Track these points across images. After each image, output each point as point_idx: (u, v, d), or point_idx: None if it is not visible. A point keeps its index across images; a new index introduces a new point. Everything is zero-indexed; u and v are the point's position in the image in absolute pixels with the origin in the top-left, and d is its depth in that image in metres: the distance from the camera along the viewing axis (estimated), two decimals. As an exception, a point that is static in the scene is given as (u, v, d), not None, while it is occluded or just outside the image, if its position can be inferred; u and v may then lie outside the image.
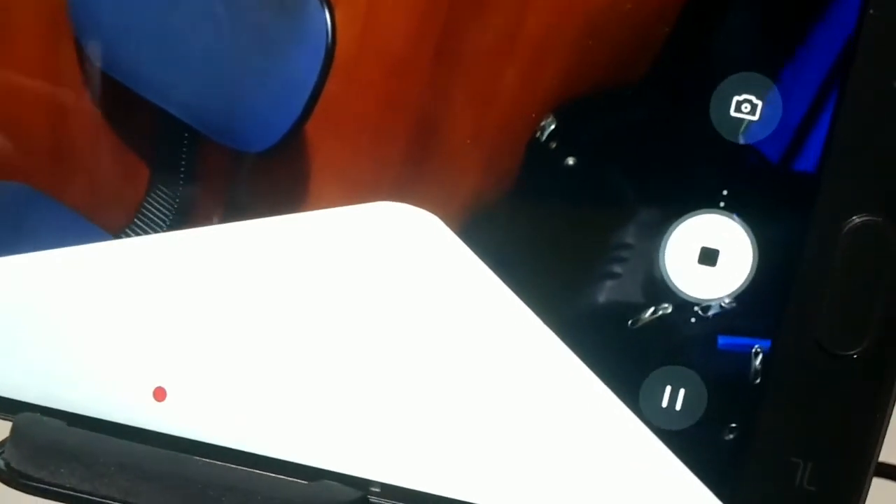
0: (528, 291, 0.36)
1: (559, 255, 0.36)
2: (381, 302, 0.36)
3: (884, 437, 0.35)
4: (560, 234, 0.36)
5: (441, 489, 0.36)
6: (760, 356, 0.35)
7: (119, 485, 0.37)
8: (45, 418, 0.38)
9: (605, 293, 0.36)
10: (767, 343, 0.35)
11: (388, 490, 0.37)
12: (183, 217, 0.37)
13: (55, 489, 0.37)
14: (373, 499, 0.37)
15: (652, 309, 0.35)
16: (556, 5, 0.34)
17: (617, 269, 0.35)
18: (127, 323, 0.37)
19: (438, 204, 0.35)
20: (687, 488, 0.35)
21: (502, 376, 0.36)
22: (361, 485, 0.37)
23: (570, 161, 0.35)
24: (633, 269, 0.35)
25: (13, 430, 0.38)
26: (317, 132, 0.36)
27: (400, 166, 0.36)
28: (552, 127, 0.35)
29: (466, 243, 0.35)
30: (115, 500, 0.37)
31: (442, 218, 0.35)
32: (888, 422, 0.35)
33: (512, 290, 0.36)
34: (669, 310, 0.35)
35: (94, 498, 0.37)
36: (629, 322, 0.35)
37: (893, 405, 0.34)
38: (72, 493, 0.37)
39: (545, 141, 0.35)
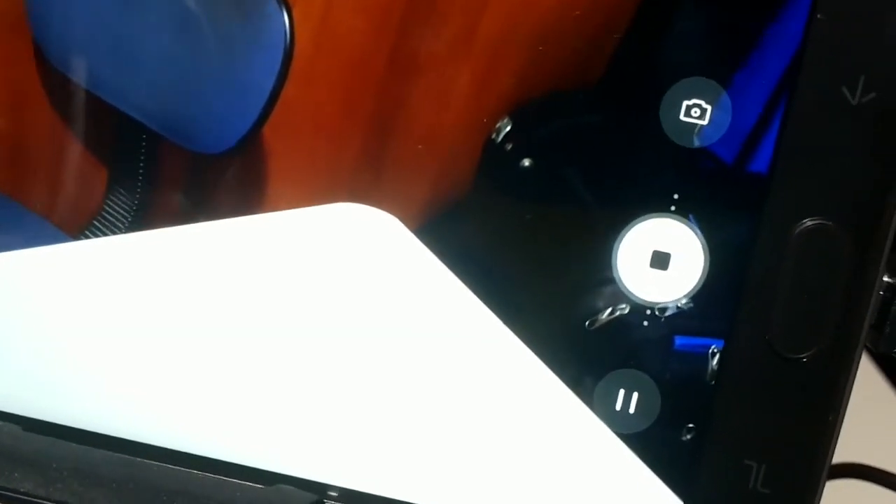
0: (487, 291, 0.36)
1: (517, 255, 0.36)
2: (340, 304, 0.36)
3: (836, 440, 0.35)
4: (517, 234, 0.36)
5: (398, 493, 0.36)
6: (717, 356, 0.35)
7: (73, 490, 0.36)
8: (0, 423, 0.38)
9: (561, 294, 0.36)
10: (721, 343, 0.35)
11: (345, 494, 0.37)
12: (142, 219, 0.37)
13: (8, 494, 0.37)
14: (329, 502, 0.37)
15: (608, 311, 0.35)
16: (510, 9, 0.35)
17: (572, 270, 0.36)
18: (84, 325, 0.37)
19: (397, 205, 0.36)
20: (648, 487, 0.35)
21: (461, 378, 0.36)
22: (318, 489, 0.37)
23: (526, 162, 0.35)
24: (587, 271, 0.36)
25: (-32, 434, 0.38)
26: (274, 134, 0.36)
27: (358, 167, 0.36)
28: (508, 129, 0.35)
29: (425, 244, 0.36)
30: (69, 505, 0.37)
31: (400, 219, 0.36)
32: (840, 424, 0.35)
33: (471, 290, 0.36)
34: (626, 311, 0.35)
35: (48, 502, 0.37)
36: (585, 323, 0.36)
37: (845, 408, 0.35)
38: (25, 497, 0.37)
39: (501, 142, 0.35)
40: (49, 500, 0.37)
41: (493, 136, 0.35)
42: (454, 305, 0.36)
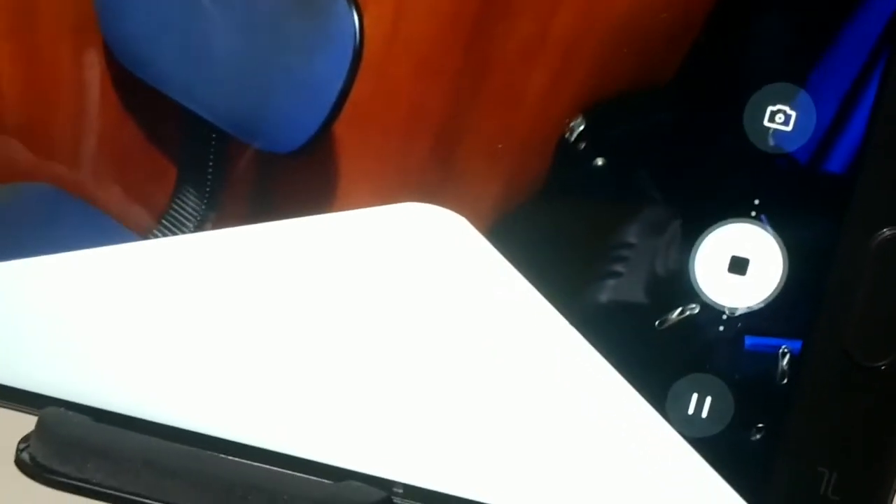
0: (556, 293, 0.35)
1: (586, 256, 0.36)
2: (408, 303, 0.36)
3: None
4: (588, 235, 0.36)
5: (464, 491, 0.37)
6: (788, 356, 0.35)
7: (145, 481, 0.37)
8: (71, 413, 0.38)
9: (633, 297, 0.35)
10: (795, 344, 0.35)
11: (411, 491, 0.37)
12: (210, 218, 0.37)
13: (80, 484, 0.37)
14: (396, 499, 0.37)
15: (678, 311, 0.35)
16: (584, 8, 0.34)
17: (644, 273, 0.35)
18: (154, 322, 0.37)
19: (466, 205, 0.35)
20: (716, 492, 0.35)
21: (529, 378, 0.36)
22: (385, 485, 0.37)
23: (599, 162, 0.35)
24: (662, 275, 0.35)
25: (39, 424, 0.38)
26: (345, 133, 0.35)
27: (427, 167, 0.35)
28: (581, 128, 0.35)
29: (494, 244, 0.35)
30: (140, 497, 0.37)
31: (469, 219, 0.35)
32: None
33: (539, 291, 0.35)
34: (697, 311, 0.35)
35: (119, 493, 0.37)
36: (656, 324, 0.35)
37: (920, 418, 0.34)
38: (97, 488, 0.37)
39: (574, 141, 0.35)
40: (121, 491, 0.37)
41: (567, 135, 0.35)
42: (522, 307, 0.35)
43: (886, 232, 0.33)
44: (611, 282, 0.36)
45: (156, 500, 0.37)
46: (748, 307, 0.35)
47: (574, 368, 0.35)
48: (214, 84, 0.36)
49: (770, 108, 0.34)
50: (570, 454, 0.36)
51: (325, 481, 0.37)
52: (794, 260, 0.34)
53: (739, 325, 0.35)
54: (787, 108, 0.34)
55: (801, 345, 0.35)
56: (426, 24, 0.35)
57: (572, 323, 0.35)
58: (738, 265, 0.35)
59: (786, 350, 0.35)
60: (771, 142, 0.34)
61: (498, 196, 0.35)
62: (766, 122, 0.34)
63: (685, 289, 0.35)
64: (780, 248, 0.34)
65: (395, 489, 0.37)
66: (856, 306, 0.34)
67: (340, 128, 0.35)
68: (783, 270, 0.34)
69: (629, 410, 0.35)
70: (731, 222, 0.35)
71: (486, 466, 0.36)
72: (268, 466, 0.37)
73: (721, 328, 0.35)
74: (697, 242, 0.35)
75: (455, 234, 0.35)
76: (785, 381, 0.35)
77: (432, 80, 0.35)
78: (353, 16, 0.35)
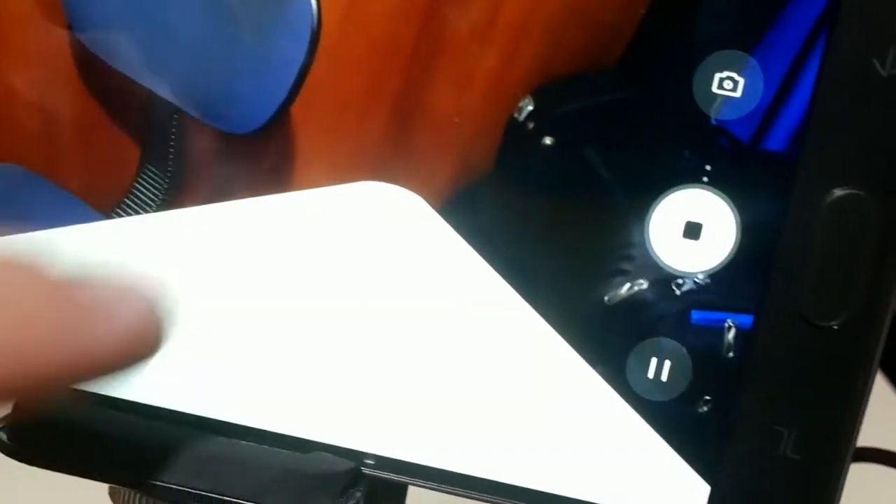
0: (510, 269, 0.36)
1: (540, 233, 0.36)
2: (365, 280, 0.36)
3: (866, 406, 0.35)
4: (541, 212, 0.36)
5: (431, 460, 0.37)
6: (733, 330, 0.35)
7: (120, 457, 0.37)
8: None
9: (587, 270, 0.36)
10: (745, 318, 0.35)
11: (382, 462, 0.37)
12: (172, 197, 0.37)
13: (58, 461, 0.37)
14: (366, 470, 0.37)
15: (630, 284, 0.36)
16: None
17: (598, 245, 0.36)
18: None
19: (421, 183, 0.36)
20: (666, 462, 0.36)
21: (485, 352, 0.36)
22: (355, 456, 0.37)
23: (548, 141, 0.35)
24: (616, 245, 0.36)
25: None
26: (302, 114, 0.36)
27: (382, 146, 0.36)
28: (530, 108, 0.35)
29: (448, 222, 0.36)
30: (116, 472, 0.37)
31: (424, 197, 0.36)
32: (870, 390, 0.35)
33: (494, 268, 0.36)
34: (645, 285, 0.36)
35: (95, 471, 0.37)
36: (608, 297, 0.36)
37: (874, 374, 0.35)
38: (73, 465, 0.37)
39: (523, 121, 0.35)
40: (96, 468, 0.37)
41: (516, 114, 0.35)
42: (477, 283, 0.36)
43: (837, 192, 0.34)
44: (565, 256, 0.36)
45: (128, 476, 0.37)
46: (704, 271, 0.35)
47: (528, 343, 0.36)
48: (175, 65, 0.36)
49: (718, 76, 0.34)
50: (528, 426, 0.36)
51: (294, 453, 0.37)
52: (746, 223, 0.35)
53: (695, 291, 0.36)
54: (734, 75, 0.34)
55: (754, 308, 0.35)
56: (380, 4, 0.35)
57: (526, 298, 0.36)
58: (692, 230, 0.35)
59: (730, 324, 0.36)
60: (720, 108, 0.34)
61: (452, 174, 0.36)
62: (714, 90, 0.34)
63: (643, 258, 0.36)
64: (733, 211, 0.35)
65: (365, 460, 0.37)
66: (808, 266, 0.35)
67: (298, 108, 0.36)
68: (736, 234, 0.35)
69: (582, 384, 0.36)
70: (683, 188, 0.35)
71: (452, 436, 0.37)
72: (235, 440, 0.38)
73: (677, 300, 0.36)
74: (651, 210, 0.35)
75: (411, 213, 0.36)
76: (738, 346, 0.36)
77: (386, 60, 0.36)
78: (310, -4, 0.35)
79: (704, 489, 0.36)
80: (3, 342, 0.27)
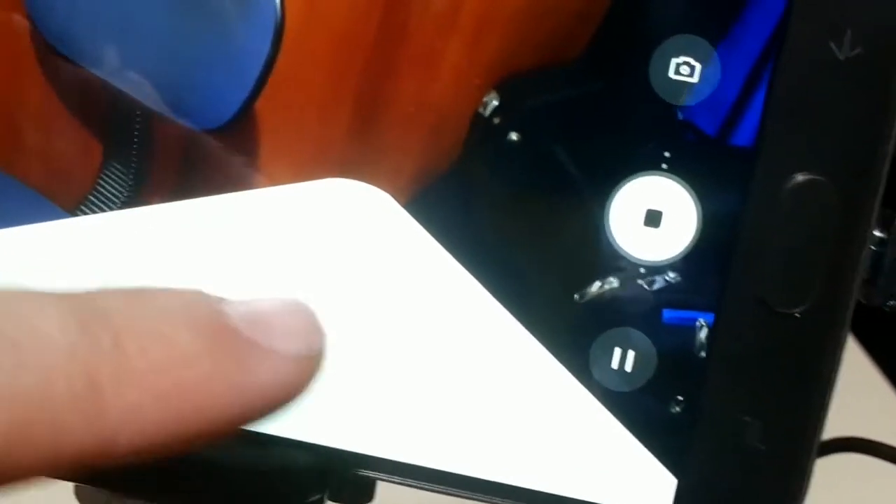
0: (477, 265, 0.36)
1: (507, 228, 0.36)
2: (332, 278, 0.36)
3: (832, 394, 0.35)
4: (508, 207, 0.36)
5: (399, 455, 0.37)
6: (704, 329, 0.35)
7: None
8: None
9: (551, 263, 0.36)
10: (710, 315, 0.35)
11: (349, 457, 0.37)
12: (136, 194, 0.37)
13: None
14: (333, 465, 0.37)
15: (600, 282, 0.36)
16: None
17: (564, 236, 0.36)
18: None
19: (386, 179, 0.36)
20: (633, 456, 0.36)
21: (452, 348, 0.36)
22: (322, 452, 0.37)
23: (514, 136, 0.36)
24: (579, 238, 0.36)
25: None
26: (266, 109, 0.36)
27: (347, 142, 0.36)
28: (495, 103, 0.35)
29: (415, 218, 0.36)
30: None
31: (390, 193, 0.36)
32: (836, 378, 0.35)
33: (461, 263, 0.36)
34: (615, 284, 0.36)
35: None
36: (577, 291, 0.36)
37: (839, 362, 0.35)
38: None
39: (488, 116, 0.36)
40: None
41: (481, 110, 0.36)
42: (444, 279, 0.36)
43: (799, 177, 0.34)
44: (531, 251, 0.36)
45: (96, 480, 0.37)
46: (666, 259, 0.35)
47: (495, 338, 0.36)
48: (137, 59, 0.37)
49: (675, 61, 0.35)
50: (494, 419, 0.36)
51: (258, 450, 0.37)
52: (706, 210, 0.35)
53: (665, 288, 0.36)
54: (691, 60, 0.34)
55: (719, 296, 0.35)
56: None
57: (494, 294, 0.36)
58: (653, 218, 0.35)
59: (702, 323, 0.35)
60: (677, 93, 0.35)
61: (418, 170, 0.36)
62: (671, 75, 0.35)
63: (605, 249, 0.36)
64: (693, 198, 0.35)
65: (332, 456, 0.37)
66: (769, 253, 0.34)
67: (262, 104, 0.36)
68: (697, 221, 0.35)
69: (548, 378, 0.36)
70: (642, 176, 0.35)
71: (417, 430, 0.37)
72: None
73: (641, 294, 0.36)
74: (610, 200, 0.35)
75: (377, 209, 0.36)
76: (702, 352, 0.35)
77: (349, 55, 0.36)
78: (273, -11, 0.35)
79: (672, 482, 0.36)
80: (155, 387, 0.25)
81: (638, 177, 0.35)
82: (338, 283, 0.36)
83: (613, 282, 0.36)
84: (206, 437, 0.26)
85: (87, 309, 0.25)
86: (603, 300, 0.36)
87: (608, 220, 0.35)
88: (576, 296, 0.36)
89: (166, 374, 0.25)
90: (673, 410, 0.36)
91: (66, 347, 0.24)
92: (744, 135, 0.35)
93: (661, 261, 0.35)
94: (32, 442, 0.23)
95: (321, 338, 0.29)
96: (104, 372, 0.24)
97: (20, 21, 0.37)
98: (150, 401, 0.25)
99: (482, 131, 0.36)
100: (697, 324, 0.36)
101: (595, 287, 0.36)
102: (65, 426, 0.24)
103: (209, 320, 0.26)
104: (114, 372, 0.25)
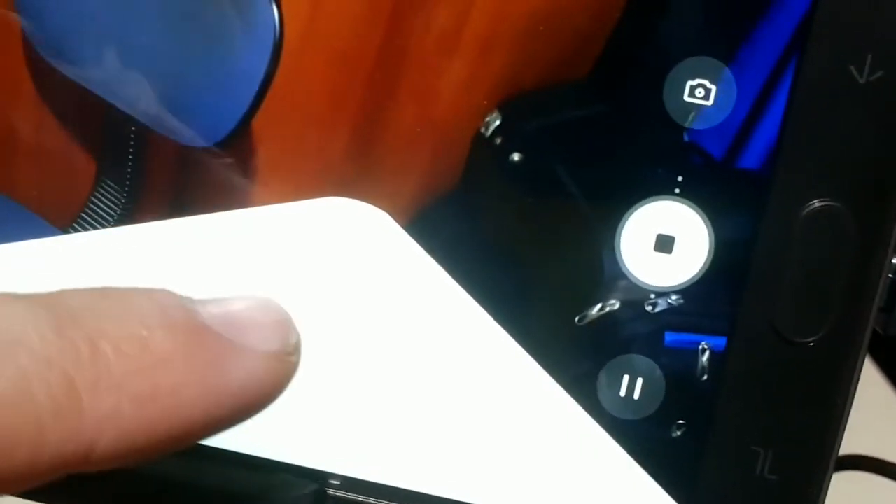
0: (478, 287, 0.35)
1: (508, 250, 0.35)
2: (330, 298, 0.35)
3: (845, 424, 0.34)
4: (509, 229, 0.35)
5: (398, 481, 0.36)
6: (708, 353, 0.34)
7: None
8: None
9: (556, 287, 0.35)
10: (720, 340, 0.34)
11: (347, 482, 0.36)
12: (131, 212, 0.36)
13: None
14: (331, 491, 0.36)
15: (601, 304, 0.35)
16: (499, 2, 0.34)
17: (571, 260, 0.35)
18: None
19: (385, 199, 0.35)
20: (641, 486, 0.35)
21: (452, 371, 0.35)
22: (320, 477, 0.36)
23: (516, 157, 0.35)
24: (585, 261, 0.35)
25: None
26: (263, 128, 0.35)
27: (347, 161, 0.35)
28: (497, 122, 0.34)
29: (415, 238, 0.35)
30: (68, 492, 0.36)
31: (389, 213, 0.35)
32: (849, 408, 0.34)
33: (461, 285, 0.35)
34: (617, 305, 0.35)
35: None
36: (579, 317, 0.35)
37: (854, 391, 0.34)
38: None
39: (490, 136, 0.35)
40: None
41: (483, 129, 0.35)
42: (443, 301, 0.35)
43: (816, 203, 0.33)
44: (534, 274, 0.35)
45: (76, 501, 0.36)
46: (677, 285, 0.34)
47: (496, 362, 0.35)
48: (133, 77, 0.36)
49: (690, 83, 0.33)
50: (496, 445, 0.35)
51: (256, 474, 0.36)
52: (720, 235, 0.34)
53: (669, 311, 0.35)
54: (706, 83, 0.33)
55: (730, 324, 0.34)
56: (342, 15, 0.34)
57: (494, 317, 0.35)
58: (665, 244, 0.34)
59: (705, 346, 0.35)
60: (692, 117, 0.34)
61: (417, 190, 0.35)
62: (686, 98, 0.34)
63: (613, 274, 0.35)
64: (706, 223, 0.34)
65: (331, 480, 0.36)
66: (784, 281, 0.34)
67: (259, 122, 0.35)
68: (709, 247, 0.34)
69: (552, 404, 0.35)
70: (654, 200, 0.34)
71: (417, 456, 0.36)
72: (197, 461, 0.37)
73: (647, 320, 0.35)
74: (621, 224, 0.34)
75: (375, 229, 0.35)
76: (705, 376, 0.35)
77: (349, 74, 0.35)
78: (272, 8, 0.34)
79: (678, 511, 0.35)
80: (133, 390, 0.25)
81: (649, 201, 0.34)
82: (335, 304, 0.35)
83: (616, 305, 0.35)
84: (183, 440, 0.26)
85: (62, 311, 0.25)
86: (606, 325, 0.35)
87: (618, 244, 0.34)
88: (577, 319, 0.35)
89: (143, 377, 0.25)
90: (680, 439, 0.35)
91: (42, 353, 0.24)
92: (751, 158, 0.34)
93: (672, 286, 0.35)
94: (11, 450, 0.23)
95: (295, 335, 0.28)
96: (82, 377, 0.24)
97: (14, 35, 0.36)
98: (127, 405, 0.24)
99: (483, 151, 0.35)
100: (700, 347, 0.35)
101: (597, 311, 0.35)
102: (43, 433, 0.23)
103: (183, 320, 0.26)
104: (91, 376, 0.24)
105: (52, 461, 0.24)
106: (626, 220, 0.34)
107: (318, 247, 0.35)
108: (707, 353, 0.35)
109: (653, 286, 0.35)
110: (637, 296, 0.35)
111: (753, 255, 0.34)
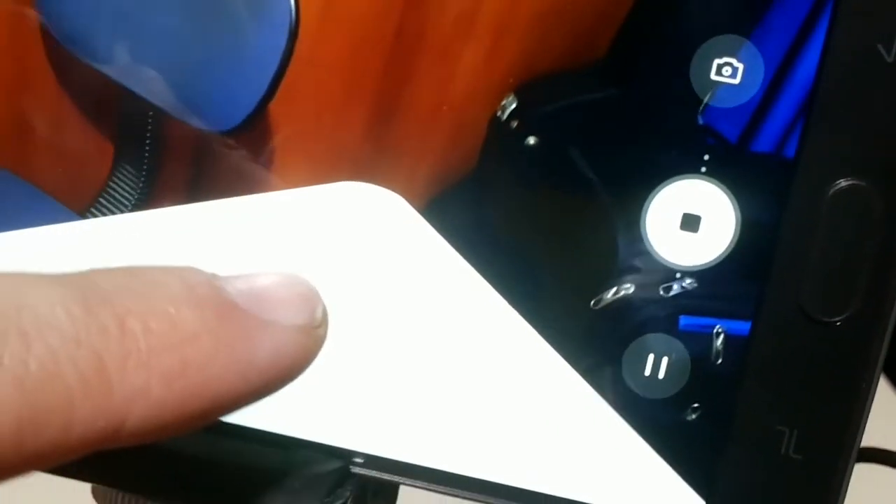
0: (493, 272, 0.35)
1: (525, 234, 0.35)
2: (347, 282, 0.35)
3: (871, 404, 0.34)
4: (525, 213, 0.35)
5: (422, 459, 0.36)
6: (732, 332, 0.34)
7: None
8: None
9: (575, 271, 0.35)
10: (743, 320, 0.34)
11: (371, 460, 0.36)
12: (148, 196, 0.36)
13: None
14: (355, 469, 0.36)
15: (622, 286, 0.34)
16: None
17: (588, 244, 0.35)
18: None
19: (401, 183, 0.35)
20: (658, 474, 0.35)
21: (470, 354, 0.35)
22: (344, 455, 0.36)
23: (532, 140, 0.34)
24: (608, 243, 0.35)
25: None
26: (280, 112, 0.35)
27: (363, 145, 0.35)
28: (513, 106, 0.34)
29: (430, 223, 0.35)
30: (92, 471, 0.36)
31: (406, 197, 0.35)
32: (875, 388, 0.34)
33: (476, 270, 0.35)
34: (635, 288, 0.34)
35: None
36: (596, 300, 0.35)
37: (880, 371, 0.34)
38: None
39: (506, 120, 0.34)
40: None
41: (499, 113, 0.34)
42: (459, 285, 0.35)
43: (842, 182, 0.33)
44: (550, 257, 0.35)
45: (109, 476, 0.36)
46: (703, 265, 0.34)
47: (512, 345, 0.35)
48: (151, 62, 0.35)
49: (717, 62, 0.33)
50: (517, 426, 0.35)
51: (280, 451, 0.36)
52: (746, 214, 0.34)
53: (692, 294, 0.34)
54: (733, 61, 0.33)
55: (754, 304, 0.34)
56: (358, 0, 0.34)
57: (508, 300, 0.35)
58: (691, 222, 0.34)
59: (720, 330, 0.34)
60: (718, 96, 0.33)
61: (434, 174, 0.35)
62: (712, 76, 0.33)
63: (638, 253, 0.34)
64: (732, 202, 0.34)
65: (354, 459, 0.36)
66: (811, 260, 0.33)
67: (276, 106, 0.35)
68: (735, 226, 0.34)
69: (568, 388, 0.35)
70: (679, 180, 0.34)
71: (443, 435, 0.36)
72: (219, 438, 0.37)
73: (672, 296, 0.35)
74: (646, 203, 0.34)
75: (392, 213, 0.35)
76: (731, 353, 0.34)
77: (365, 58, 0.34)
78: (288, -9, 0.34)
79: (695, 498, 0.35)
80: (161, 367, 0.25)
81: (674, 181, 0.34)
82: (352, 288, 0.35)
83: (632, 286, 0.35)
84: (211, 415, 0.26)
85: (90, 290, 0.25)
86: (625, 307, 0.35)
87: (643, 223, 0.34)
88: (593, 303, 0.35)
89: (171, 354, 0.25)
90: (698, 421, 0.35)
91: (72, 332, 0.24)
92: (777, 138, 0.33)
93: (698, 265, 0.34)
94: (43, 428, 0.23)
95: (322, 308, 0.28)
96: (111, 355, 0.24)
97: (31, 21, 0.36)
98: (156, 381, 0.25)
99: (499, 135, 0.34)
100: (715, 331, 0.34)
101: (613, 293, 0.35)
102: (73, 411, 0.24)
103: (209, 296, 0.26)
104: (120, 354, 0.24)
105: (82, 438, 0.24)
106: (652, 200, 0.34)
107: (335, 231, 0.35)
108: (732, 332, 0.34)
109: (679, 265, 0.34)
110: (663, 276, 0.34)
111: (780, 235, 0.33)
